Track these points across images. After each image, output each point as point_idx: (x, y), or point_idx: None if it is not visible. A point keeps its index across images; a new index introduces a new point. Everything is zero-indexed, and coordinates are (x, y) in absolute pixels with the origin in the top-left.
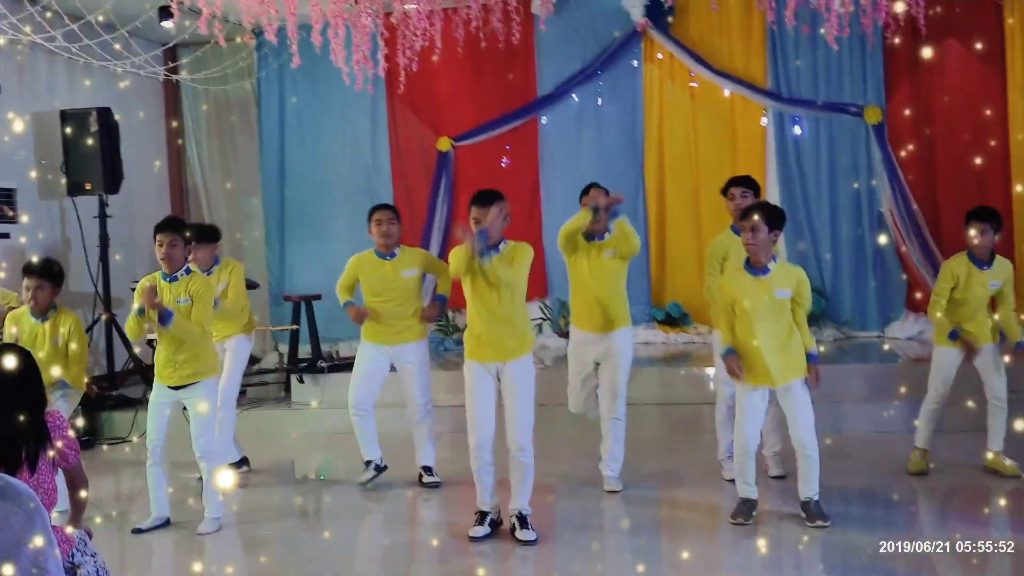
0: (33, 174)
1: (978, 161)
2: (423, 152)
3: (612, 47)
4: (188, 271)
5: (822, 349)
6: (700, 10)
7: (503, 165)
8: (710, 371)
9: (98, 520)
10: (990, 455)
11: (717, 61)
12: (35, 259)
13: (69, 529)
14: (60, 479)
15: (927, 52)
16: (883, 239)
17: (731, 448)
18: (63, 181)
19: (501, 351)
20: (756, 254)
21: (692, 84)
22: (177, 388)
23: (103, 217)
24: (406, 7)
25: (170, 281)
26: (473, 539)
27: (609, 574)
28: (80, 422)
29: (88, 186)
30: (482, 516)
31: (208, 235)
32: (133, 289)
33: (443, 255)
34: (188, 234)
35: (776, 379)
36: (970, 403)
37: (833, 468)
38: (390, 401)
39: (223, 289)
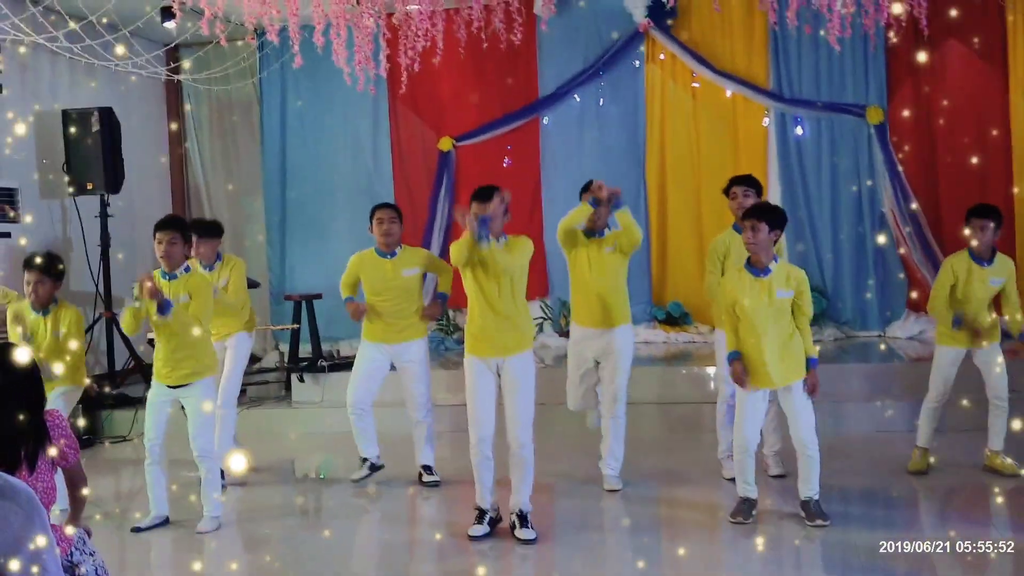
0: (35, 174)
1: (980, 162)
2: (425, 152)
3: (614, 47)
4: (187, 269)
5: (821, 349)
6: (702, 11)
7: (505, 165)
8: (711, 370)
9: (98, 518)
10: (990, 454)
11: (719, 61)
12: (36, 253)
13: (69, 529)
14: (59, 478)
15: (929, 53)
16: (884, 239)
17: (731, 447)
18: (65, 181)
19: (501, 346)
20: (757, 253)
21: (694, 84)
22: (175, 387)
23: (104, 217)
24: (408, 8)
25: (169, 279)
26: (472, 538)
27: (609, 573)
28: (81, 422)
29: (90, 186)
30: (481, 514)
31: (211, 230)
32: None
33: (444, 255)
34: (188, 233)
35: (776, 380)
36: (970, 403)
37: (833, 468)
38: (390, 400)
39: (224, 285)
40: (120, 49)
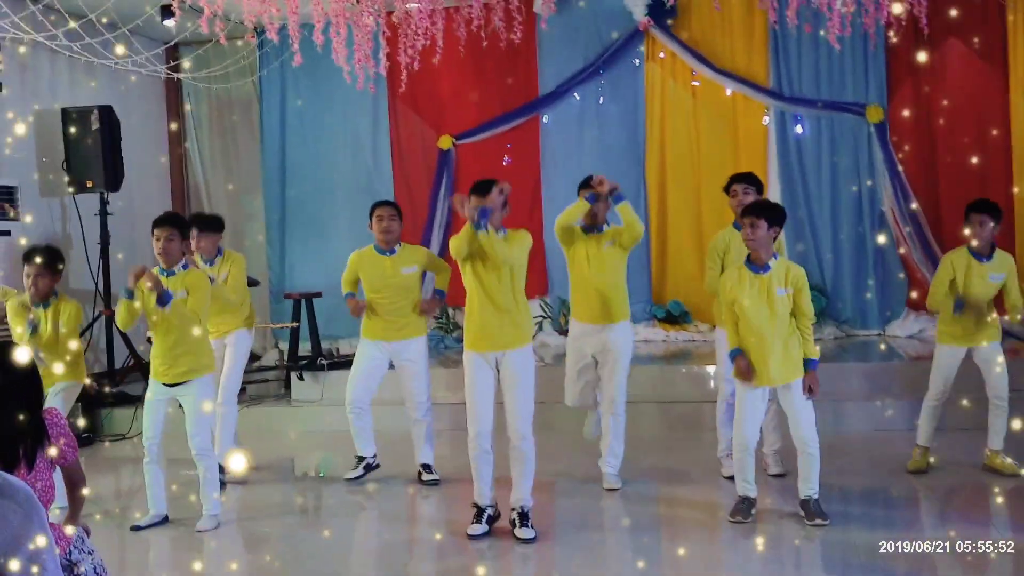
0: (35, 173)
1: (980, 161)
2: (424, 151)
3: (614, 46)
4: (185, 266)
5: (821, 348)
6: (702, 9)
7: (504, 164)
8: (710, 369)
9: (97, 517)
10: (990, 454)
11: (719, 60)
12: (36, 247)
13: (68, 528)
14: (58, 476)
15: (929, 52)
16: (884, 238)
17: (731, 445)
18: (65, 179)
19: (501, 341)
20: (756, 250)
21: (694, 83)
22: (172, 385)
23: (104, 215)
24: (408, 6)
25: (167, 276)
26: (471, 537)
27: (609, 573)
28: (80, 420)
29: (89, 184)
30: (479, 512)
31: (212, 224)
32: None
33: (444, 253)
34: (186, 230)
35: (776, 378)
36: (970, 402)
37: (833, 467)
38: (389, 399)
39: (224, 279)
40: (120, 48)
